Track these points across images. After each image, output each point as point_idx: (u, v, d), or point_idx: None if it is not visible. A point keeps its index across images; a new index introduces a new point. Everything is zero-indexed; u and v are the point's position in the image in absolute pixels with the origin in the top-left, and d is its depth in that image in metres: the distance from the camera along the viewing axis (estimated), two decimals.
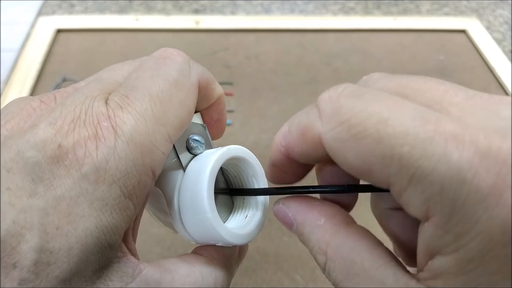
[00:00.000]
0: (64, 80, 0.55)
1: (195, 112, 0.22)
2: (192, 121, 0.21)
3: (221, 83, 0.22)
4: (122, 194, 0.16)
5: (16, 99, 0.19)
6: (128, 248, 0.18)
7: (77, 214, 0.16)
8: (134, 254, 0.18)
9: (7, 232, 0.15)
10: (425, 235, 0.14)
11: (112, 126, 0.16)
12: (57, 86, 0.54)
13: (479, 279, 0.13)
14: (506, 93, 0.58)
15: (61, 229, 0.15)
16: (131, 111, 0.17)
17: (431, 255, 0.14)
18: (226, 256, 0.21)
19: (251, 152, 0.22)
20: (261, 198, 0.22)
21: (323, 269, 0.17)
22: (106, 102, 0.17)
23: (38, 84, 0.56)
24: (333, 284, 0.17)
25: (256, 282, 0.38)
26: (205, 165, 0.20)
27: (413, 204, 0.14)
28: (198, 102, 0.21)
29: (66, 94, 0.19)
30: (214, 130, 0.23)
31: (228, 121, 0.52)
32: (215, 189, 0.20)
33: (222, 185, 0.23)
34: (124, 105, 0.17)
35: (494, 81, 0.60)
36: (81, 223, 0.16)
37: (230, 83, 0.57)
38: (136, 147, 0.17)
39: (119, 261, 0.17)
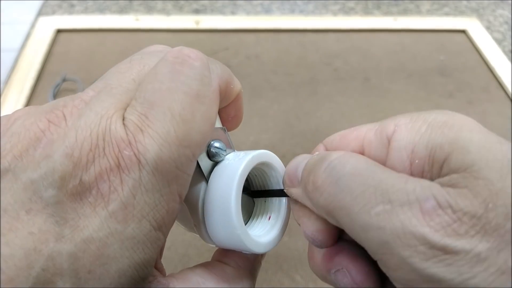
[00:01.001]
0: (64, 80, 0.55)
1: None
2: None
3: None
4: (152, 228, 0.16)
5: (18, 111, 0.17)
6: (156, 268, 0.17)
7: (108, 255, 0.15)
8: (161, 271, 0.18)
9: (37, 280, 0.14)
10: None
11: (135, 154, 0.15)
12: (57, 86, 0.54)
13: None
14: (506, 93, 0.58)
15: (93, 273, 0.15)
16: (152, 135, 0.15)
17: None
18: (251, 262, 0.21)
19: (274, 155, 0.21)
20: (283, 199, 0.21)
21: (333, 159, 0.17)
22: (123, 123, 0.16)
23: (38, 84, 0.56)
24: (339, 172, 0.17)
25: (256, 282, 0.38)
26: (230, 180, 0.19)
27: None
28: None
29: (76, 110, 0.17)
30: (231, 124, 0.22)
31: None
32: None
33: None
34: (144, 127, 0.16)
35: (494, 81, 0.60)
36: (113, 264, 0.15)
37: None
38: (162, 176, 0.16)
39: (150, 285, 0.17)
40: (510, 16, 0.73)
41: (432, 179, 0.16)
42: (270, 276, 0.39)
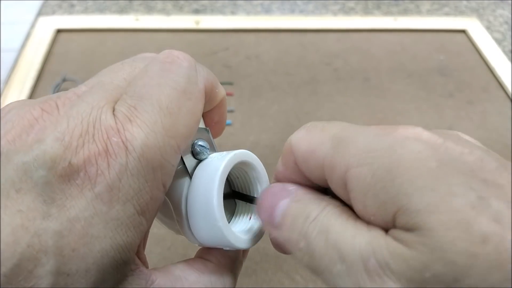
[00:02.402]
0: (64, 80, 0.55)
1: None
2: None
3: (221, 83, 0.22)
4: (135, 211, 0.16)
5: (13, 103, 0.18)
6: (139, 259, 0.18)
7: (92, 235, 0.15)
8: (144, 262, 0.18)
9: (22, 256, 0.14)
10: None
11: (123, 141, 0.16)
12: (57, 86, 0.54)
13: None
14: (506, 93, 0.58)
15: (77, 251, 0.15)
16: (140, 124, 0.17)
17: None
18: (232, 260, 0.22)
19: (255, 155, 0.22)
20: None
21: (312, 220, 0.17)
22: (113, 113, 0.17)
23: (38, 84, 0.56)
24: (312, 234, 0.17)
25: (256, 282, 0.38)
26: (213, 175, 0.20)
27: None
28: None
29: (68, 101, 0.18)
30: (214, 131, 0.23)
31: (228, 121, 0.52)
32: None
33: (225, 185, 0.23)
34: (133, 117, 0.17)
35: (494, 81, 0.60)
36: (97, 244, 0.15)
37: (230, 83, 0.57)
38: (148, 163, 0.16)
39: (132, 274, 0.17)
40: (510, 16, 0.73)
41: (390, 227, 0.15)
42: (270, 276, 0.39)
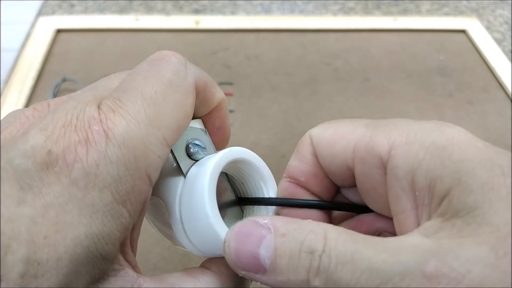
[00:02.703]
0: (64, 80, 0.55)
1: (196, 118, 0.21)
2: (192, 126, 0.20)
3: (221, 83, 0.22)
4: (114, 200, 0.16)
5: (14, 111, 0.19)
6: (126, 260, 0.17)
7: (65, 222, 0.15)
8: (133, 266, 0.17)
9: None
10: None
11: (104, 130, 0.16)
12: (57, 86, 0.54)
13: None
14: (506, 93, 0.58)
15: (49, 238, 0.14)
16: (123, 114, 0.16)
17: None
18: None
19: (255, 154, 0.21)
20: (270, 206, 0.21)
21: (320, 253, 0.15)
22: (98, 107, 0.17)
23: (38, 84, 0.56)
24: (329, 267, 0.15)
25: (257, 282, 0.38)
26: (205, 168, 0.19)
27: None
28: (197, 107, 0.20)
29: (60, 101, 0.18)
30: (218, 138, 0.22)
31: None
32: (224, 202, 0.19)
33: (230, 193, 0.22)
34: (116, 108, 0.17)
35: (494, 81, 0.60)
36: (70, 231, 0.15)
37: (230, 83, 0.57)
38: (129, 151, 0.16)
39: (115, 274, 0.16)
40: (510, 16, 0.73)
41: (430, 213, 0.16)
42: None
